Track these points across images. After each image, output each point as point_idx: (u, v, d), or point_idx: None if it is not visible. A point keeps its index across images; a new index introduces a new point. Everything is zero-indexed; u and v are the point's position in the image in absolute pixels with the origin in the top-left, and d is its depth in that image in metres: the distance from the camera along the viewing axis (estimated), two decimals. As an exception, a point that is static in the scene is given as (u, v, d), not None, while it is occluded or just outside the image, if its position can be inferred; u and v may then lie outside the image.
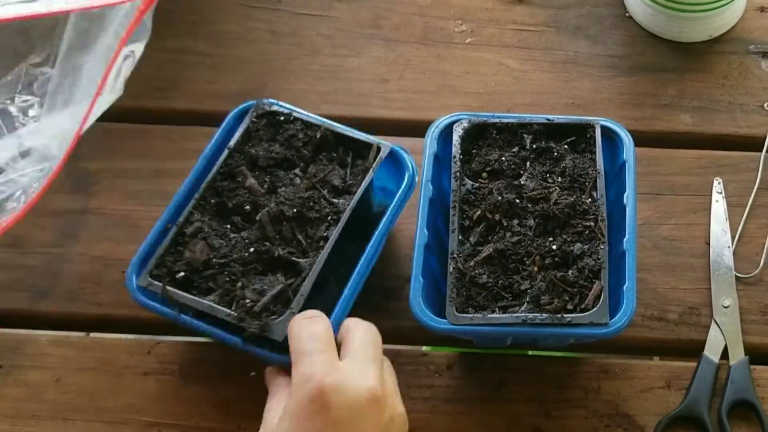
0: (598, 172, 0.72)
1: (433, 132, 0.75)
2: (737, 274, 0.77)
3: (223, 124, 0.75)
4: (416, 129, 0.85)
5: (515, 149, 0.75)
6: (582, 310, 0.66)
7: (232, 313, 0.66)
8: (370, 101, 0.87)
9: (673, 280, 0.78)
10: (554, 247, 0.69)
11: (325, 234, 0.69)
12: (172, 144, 0.84)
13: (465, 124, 0.75)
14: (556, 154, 0.74)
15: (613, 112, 0.86)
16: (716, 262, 0.78)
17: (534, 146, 0.74)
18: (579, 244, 0.69)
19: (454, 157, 0.74)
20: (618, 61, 0.89)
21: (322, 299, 0.68)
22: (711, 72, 0.88)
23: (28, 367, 0.74)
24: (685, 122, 0.86)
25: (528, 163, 0.74)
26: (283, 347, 0.64)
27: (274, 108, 0.75)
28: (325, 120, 0.75)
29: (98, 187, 0.82)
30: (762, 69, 0.88)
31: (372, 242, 0.70)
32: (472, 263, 0.69)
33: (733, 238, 0.79)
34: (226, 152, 0.73)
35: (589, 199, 0.71)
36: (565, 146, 0.75)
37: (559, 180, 0.73)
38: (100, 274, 0.77)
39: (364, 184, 0.72)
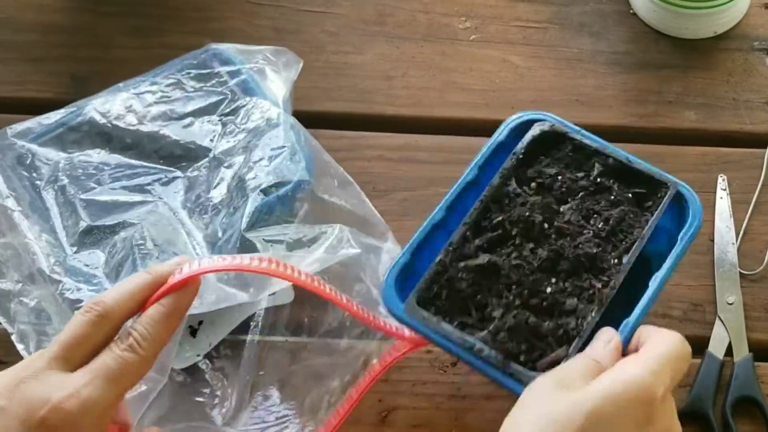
0: (642, 238, 0.66)
1: (511, 123, 0.71)
2: (741, 271, 0.77)
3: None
4: (420, 126, 0.85)
5: (579, 174, 0.69)
6: (532, 368, 0.61)
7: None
8: (374, 98, 0.87)
9: (678, 276, 0.77)
10: (548, 290, 0.64)
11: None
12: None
13: (545, 127, 0.70)
14: (613, 197, 0.68)
15: (618, 109, 0.86)
16: (720, 258, 0.78)
17: (598, 180, 0.68)
18: (576, 299, 0.63)
19: (515, 153, 0.69)
20: (622, 58, 0.89)
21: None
22: (715, 69, 0.88)
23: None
24: (690, 119, 0.86)
25: (581, 194, 0.68)
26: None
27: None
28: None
29: (103, 184, 0.82)
30: (766, 66, 0.88)
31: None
32: (462, 264, 0.65)
33: (737, 235, 0.79)
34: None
35: (615, 260, 0.65)
36: (629, 194, 0.68)
37: (600, 225, 0.66)
38: (105, 270, 0.78)
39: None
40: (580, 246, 0.65)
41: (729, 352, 0.74)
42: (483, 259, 0.65)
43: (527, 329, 0.62)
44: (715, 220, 0.79)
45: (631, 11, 0.91)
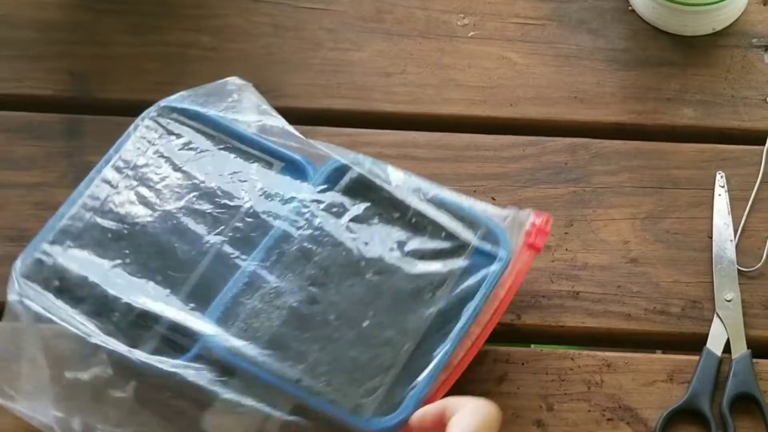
0: (452, 274, 0.70)
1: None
2: (740, 268, 0.77)
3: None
4: (419, 123, 0.85)
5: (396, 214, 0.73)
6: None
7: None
8: (373, 95, 0.87)
9: (676, 273, 0.78)
10: (365, 324, 0.68)
11: None
12: (175, 138, 0.84)
13: (353, 175, 0.73)
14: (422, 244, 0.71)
15: (616, 106, 0.86)
16: (719, 255, 0.78)
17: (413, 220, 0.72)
18: (393, 331, 0.67)
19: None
20: (621, 55, 0.89)
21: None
22: (714, 66, 0.88)
23: (32, 361, 0.74)
24: (688, 116, 0.86)
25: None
26: None
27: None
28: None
29: (101, 181, 0.82)
30: (765, 63, 0.88)
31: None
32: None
33: (735, 232, 0.79)
34: None
35: (430, 295, 0.69)
36: (436, 241, 0.71)
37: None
38: (104, 267, 0.78)
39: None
40: (398, 281, 0.69)
41: (727, 349, 0.74)
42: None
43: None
44: (713, 217, 0.80)
45: (629, 8, 0.91)
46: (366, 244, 0.70)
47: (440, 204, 0.73)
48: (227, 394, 0.65)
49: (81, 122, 0.85)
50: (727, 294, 0.76)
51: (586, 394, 0.73)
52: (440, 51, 0.89)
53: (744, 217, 0.80)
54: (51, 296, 0.69)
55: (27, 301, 0.68)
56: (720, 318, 0.75)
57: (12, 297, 0.69)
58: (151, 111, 0.77)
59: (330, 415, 0.65)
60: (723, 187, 0.81)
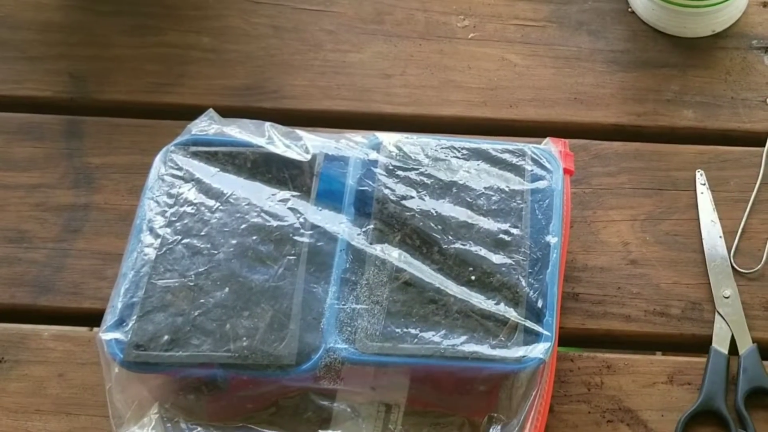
0: (525, 202, 0.71)
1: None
2: (740, 270, 0.77)
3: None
4: (419, 124, 0.85)
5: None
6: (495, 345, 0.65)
7: (234, 354, 0.64)
8: (373, 97, 0.87)
9: (676, 275, 0.78)
10: (473, 278, 0.68)
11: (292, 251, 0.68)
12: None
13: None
14: (485, 178, 0.72)
15: (616, 108, 0.86)
16: (711, 253, 0.78)
17: (466, 170, 0.73)
18: (499, 275, 0.68)
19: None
20: (620, 57, 0.89)
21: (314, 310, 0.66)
22: (713, 67, 0.88)
23: (31, 362, 0.74)
24: (688, 117, 0.86)
25: (455, 188, 0.72)
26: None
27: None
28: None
29: (101, 183, 0.82)
30: (764, 64, 0.88)
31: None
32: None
33: (735, 233, 0.79)
34: None
35: (514, 230, 0.70)
36: (496, 170, 0.73)
37: (485, 209, 0.71)
38: (103, 269, 0.78)
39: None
40: (483, 230, 0.69)
41: (733, 346, 0.73)
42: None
43: (474, 316, 0.66)
44: (699, 217, 0.79)
45: (629, 10, 0.91)
46: (435, 211, 0.70)
47: (476, 150, 0.74)
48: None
49: (80, 123, 0.85)
50: (725, 291, 0.76)
51: (586, 395, 0.73)
52: (440, 52, 0.89)
53: (744, 219, 0.80)
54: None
55: None
56: (721, 316, 0.75)
57: None
58: (161, 158, 0.74)
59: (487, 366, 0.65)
60: (704, 184, 0.81)
